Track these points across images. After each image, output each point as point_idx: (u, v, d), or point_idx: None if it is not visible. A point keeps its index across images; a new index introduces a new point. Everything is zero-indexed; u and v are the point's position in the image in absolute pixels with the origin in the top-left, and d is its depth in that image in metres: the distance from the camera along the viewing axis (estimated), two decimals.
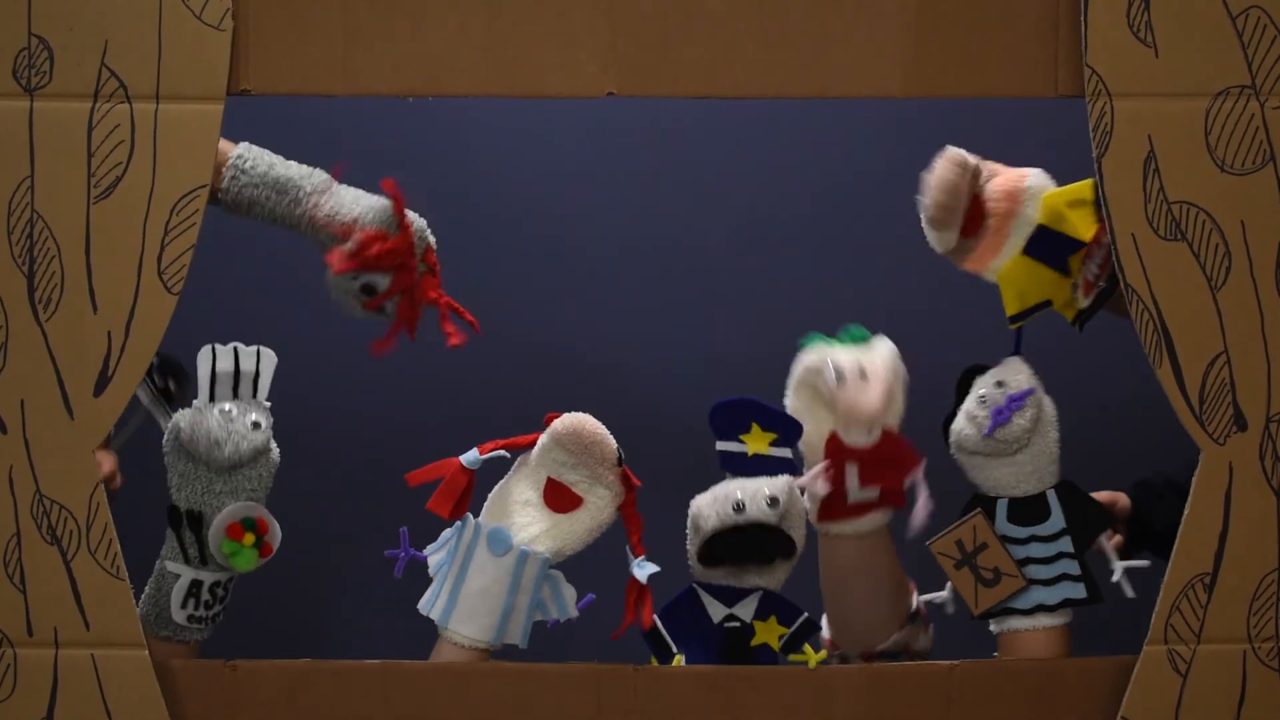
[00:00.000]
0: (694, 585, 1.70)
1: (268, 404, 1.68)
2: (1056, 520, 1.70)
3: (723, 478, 1.70)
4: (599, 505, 1.66)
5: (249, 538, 1.65)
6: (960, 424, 1.71)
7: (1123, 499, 1.86)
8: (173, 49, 1.59)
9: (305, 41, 1.61)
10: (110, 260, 1.59)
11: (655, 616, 1.68)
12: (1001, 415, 1.69)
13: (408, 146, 2.31)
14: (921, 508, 1.68)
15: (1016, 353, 1.72)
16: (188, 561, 1.66)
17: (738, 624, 1.69)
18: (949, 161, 1.67)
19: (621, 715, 1.63)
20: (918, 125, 2.24)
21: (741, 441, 1.69)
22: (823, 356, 1.70)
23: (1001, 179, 1.69)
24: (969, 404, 1.71)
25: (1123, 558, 1.72)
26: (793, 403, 1.72)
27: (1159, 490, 1.86)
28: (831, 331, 1.73)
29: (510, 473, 1.68)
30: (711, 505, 1.68)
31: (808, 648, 1.69)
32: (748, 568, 1.69)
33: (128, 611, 1.61)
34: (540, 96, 1.62)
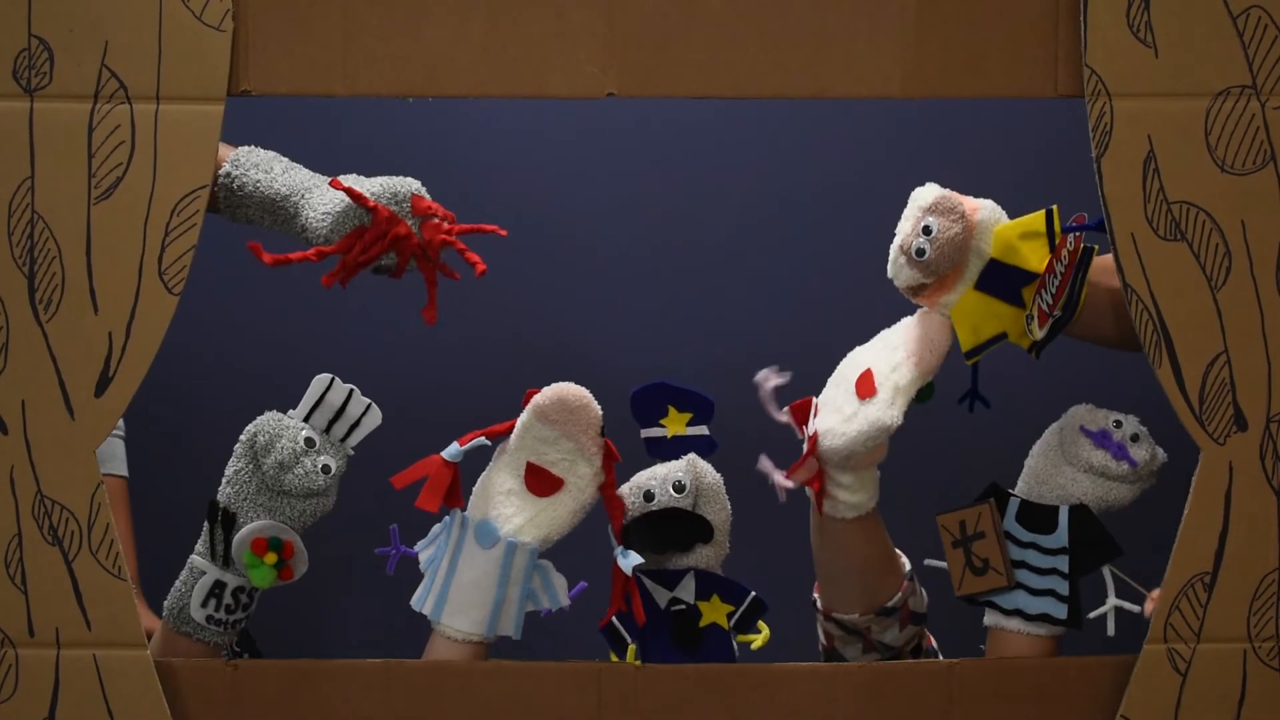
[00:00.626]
0: (635, 572, 1.71)
1: (351, 453, 1.68)
2: (1060, 537, 1.70)
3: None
4: (580, 485, 1.66)
5: (271, 557, 1.65)
6: (1090, 413, 1.71)
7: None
8: (173, 50, 1.59)
9: (305, 42, 1.61)
10: (111, 261, 1.59)
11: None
12: (1104, 440, 1.69)
13: (407, 147, 2.31)
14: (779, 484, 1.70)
15: (974, 385, 1.73)
16: (214, 560, 1.66)
17: (683, 606, 1.70)
18: (949, 207, 1.63)
19: (622, 713, 1.63)
20: (918, 125, 2.25)
21: (662, 425, 1.71)
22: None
23: (944, 247, 1.64)
24: (1112, 413, 1.71)
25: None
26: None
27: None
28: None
29: (491, 463, 1.68)
30: (628, 496, 1.70)
31: (762, 625, 1.70)
32: (668, 554, 1.70)
33: (129, 611, 1.61)
34: (540, 97, 1.62)
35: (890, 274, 1.66)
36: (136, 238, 1.59)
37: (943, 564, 1.74)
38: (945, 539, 1.73)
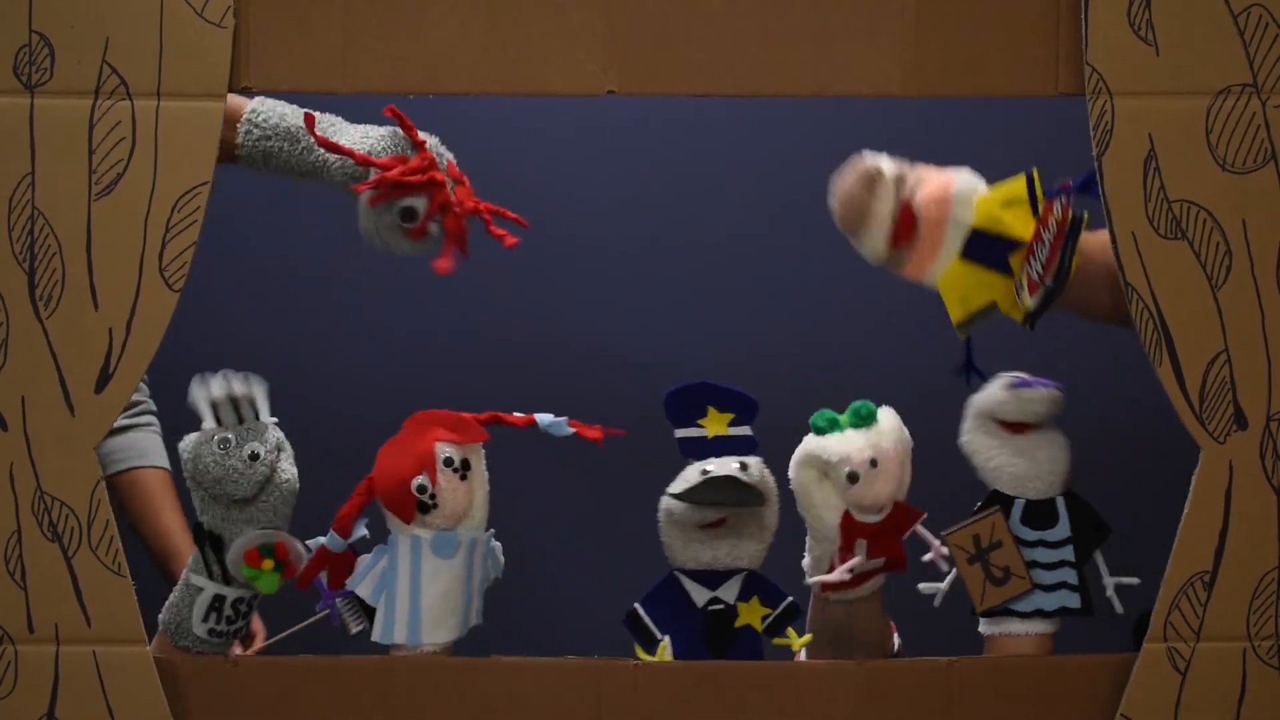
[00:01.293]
0: (674, 572, 1.70)
1: (273, 420, 1.66)
2: (1064, 528, 1.70)
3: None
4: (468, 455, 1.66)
5: (268, 563, 1.64)
6: (984, 393, 1.72)
7: None
8: (174, 46, 1.59)
9: (306, 39, 1.61)
10: (111, 257, 1.59)
11: (637, 605, 1.69)
12: (1028, 383, 1.70)
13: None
14: (936, 550, 1.71)
15: (968, 359, 1.73)
16: (211, 577, 1.66)
17: (721, 606, 1.69)
18: (855, 173, 1.65)
19: (621, 711, 1.63)
20: (919, 124, 2.24)
21: (700, 425, 1.70)
22: (835, 451, 1.67)
23: (929, 184, 1.66)
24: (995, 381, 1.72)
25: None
26: (798, 478, 1.69)
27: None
28: (835, 404, 1.71)
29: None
30: (679, 482, 1.69)
31: (791, 631, 1.70)
32: (721, 510, 1.68)
33: (129, 608, 1.61)
34: (540, 95, 1.62)
35: (866, 254, 1.67)
36: (137, 234, 1.59)
37: (938, 587, 1.72)
38: (960, 556, 1.70)
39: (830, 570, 1.68)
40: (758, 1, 1.61)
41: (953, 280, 1.65)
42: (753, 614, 1.70)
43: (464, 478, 1.64)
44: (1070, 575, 1.70)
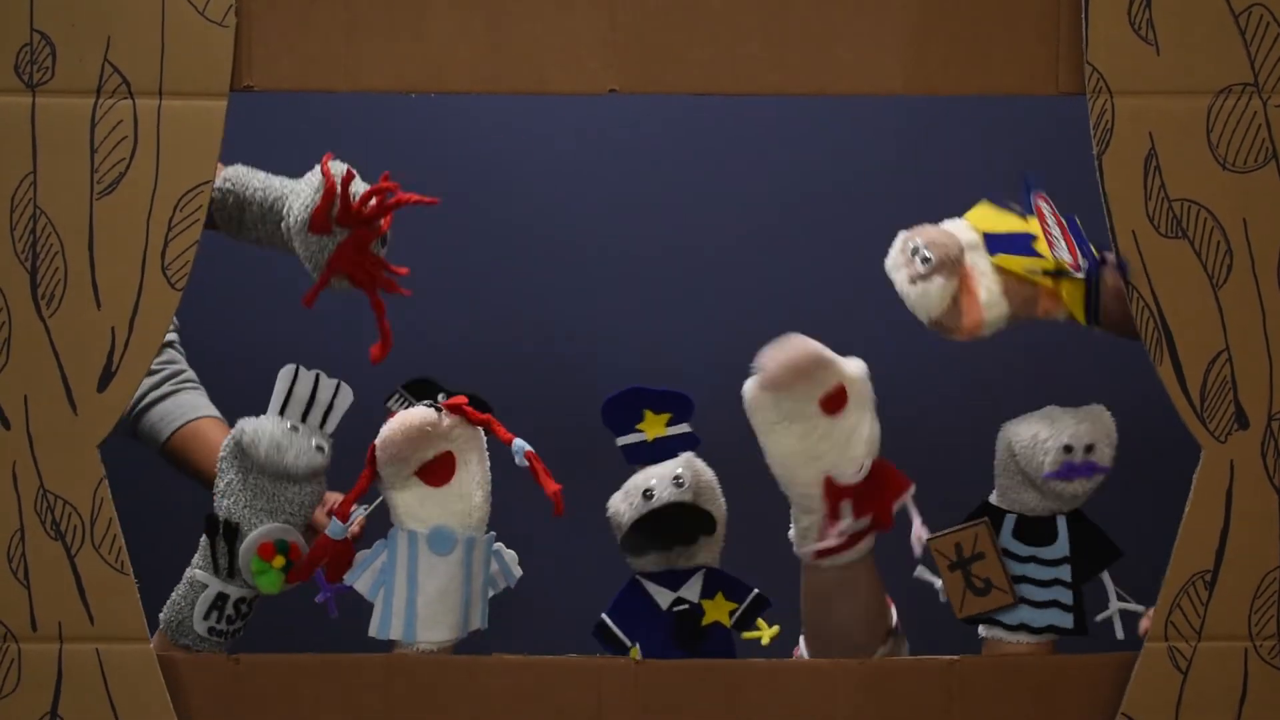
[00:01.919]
0: (635, 577, 1.70)
1: (331, 438, 1.68)
2: (1061, 547, 1.69)
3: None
4: (464, 450, 1.66)
5: (279, 560, 1.65)
6: (1030, 445, 1.67)
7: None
8: (175, 45, 1.59)
9: (308, 38, 1.61)
10: (113, 256, 1.60)
11: (604, 615, 1.69)
12: (1071, 473, 1.66)
13: (410, 143, 2.32)
14: (918, 529, 1.69)
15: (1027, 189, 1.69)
16: (216, 573, 1.66)
17: (686, 606, 1.70)
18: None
19: (623, 709, 1.63)
20: (920, 122, 2.25)
21: (639, 430, 1.70)
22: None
23: (938, 244, 1.64)
24: (1052, 438, 1.65)
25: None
26: (776, 450, 1.68)
27: None
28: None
29: (384, 497, 1.67)
30: (624, 500, 1.69)
31: (761, 622, 1.70)
32: (674, 551, 1.69)
33: (132, 606, 1.61)
34: (542, 93, 1.62)
35: (923, 316, 1.64)
36: (139, 233, 1.59)
37: (935, 579, 1.72)
38: (941, 563, 1.69)
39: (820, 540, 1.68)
40: (759, 1, 1.62)
41: (1003, 268, 1.63)
42: (719, 610, 1.70)
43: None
44: (1064, 595, 1.68)
